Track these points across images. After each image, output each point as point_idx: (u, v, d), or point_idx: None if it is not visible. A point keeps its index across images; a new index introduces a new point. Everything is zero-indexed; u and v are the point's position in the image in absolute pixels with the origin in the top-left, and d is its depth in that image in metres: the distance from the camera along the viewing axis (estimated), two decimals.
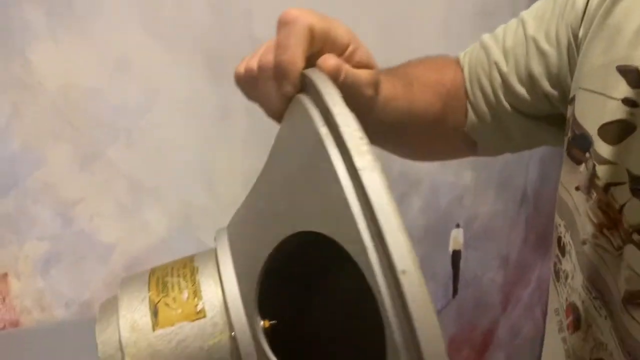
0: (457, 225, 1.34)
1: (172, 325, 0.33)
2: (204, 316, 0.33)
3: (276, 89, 0.38)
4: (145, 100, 0.96)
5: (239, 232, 0.37)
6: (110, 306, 0.35)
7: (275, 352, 0.33)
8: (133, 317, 0.34)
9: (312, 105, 0.34)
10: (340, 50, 0.40)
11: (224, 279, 0.34)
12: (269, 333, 0.33)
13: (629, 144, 0.42)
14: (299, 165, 0.33)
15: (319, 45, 0.39)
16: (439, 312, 1.35)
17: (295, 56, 0.37)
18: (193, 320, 0.33)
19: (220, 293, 0.34)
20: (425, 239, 1.29)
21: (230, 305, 0.33)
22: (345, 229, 0.27)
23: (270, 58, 0.38)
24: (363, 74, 0.42)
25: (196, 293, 0.34)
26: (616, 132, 0.43)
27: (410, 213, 1.24)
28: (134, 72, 0.94)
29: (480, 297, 1.46)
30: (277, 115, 0.40)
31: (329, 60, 0.38)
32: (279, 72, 0.38)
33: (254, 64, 0.40)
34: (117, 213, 1.00)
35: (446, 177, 1.27)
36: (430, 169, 1.23)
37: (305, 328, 0.43)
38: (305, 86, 0.37)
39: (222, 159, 1.05)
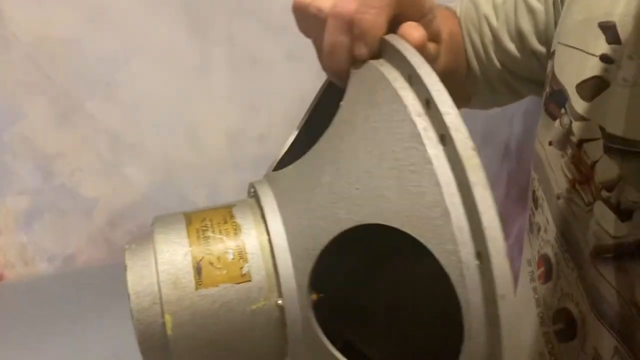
0: None
1: (216, 286, 0.32)
2: (249, 280, 0.32)
3: (347, 46, 0.35)
4: (123, 52, 0.94)
5: (291, 200, 0.34)
6: (143, 254, 0.33)
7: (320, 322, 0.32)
8: (176, 273, 0.32)
9: (403, 85, 0.31)
10: (419, 16, 0.37)
11: (275, 247, 0.32)
12: (316, 304, 0.32)
13: (603, 100, 0.42)
14: (383, 151, 0.30)
15: (403, 8, 0.36)
16: None
17: (379, 19, 0.34)
18: (238, 283, 0.32)
19: (270, 259, 0.32)
20: None
21: (281, 273, 0.32)
22: (439, 238, 0.27)
23: (349, 8, 0.34)
24: (432, 48, 0.39)
25: (242, 255, 0.32)
26: (591, 88, 0.43)
27: None
28: (111, 23, 0.92)
29: None
30: (337, 73, 0.36)
31: (416, 32, 0.34)
32: (357, 30, 0.34)
33: (326, 3, 0.36)
34: (98, 167, 0.99)
35: None
36: None
37: (356, 301, 0.43)
38: (384, 53, 0.34)
39: (204, 114, 1.04)
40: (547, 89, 0.49)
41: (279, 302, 0.32)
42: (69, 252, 1.01)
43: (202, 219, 0.34)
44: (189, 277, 0.32)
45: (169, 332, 0.31)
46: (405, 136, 0.29)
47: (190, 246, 0.33)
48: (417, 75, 0.30)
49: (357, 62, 0.35)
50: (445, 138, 0.27)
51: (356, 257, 0.41)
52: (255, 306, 0.32)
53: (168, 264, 0.32)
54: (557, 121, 0.47)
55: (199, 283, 0.31)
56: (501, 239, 0.25)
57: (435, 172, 0.27)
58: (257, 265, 0.32)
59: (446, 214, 0.26)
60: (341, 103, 0.35)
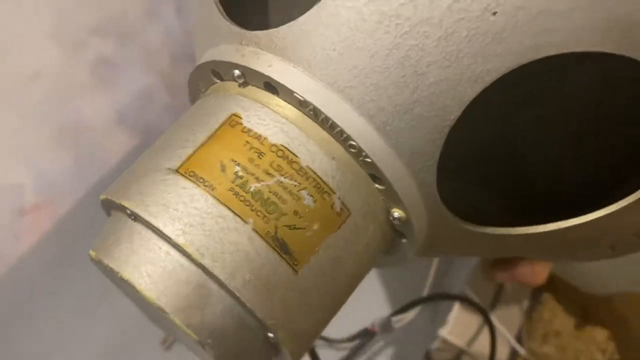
0: None
1: (315, 252, 0.20)
2: (349, 213, 0.21)
3: None
4: None
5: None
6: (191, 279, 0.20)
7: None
8: (258, 275, 0.19)
9: None
10: None
11: (363, 142, 0.21)
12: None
13: None
14: None
15: None
16: None
17: None
18: (339, 228, 0.21)
19: (357, 168, 0.21)
20: None
21: (391, 177, 0.21)
22: None
23: None
24: None
25: (320, 186, 0.21)
26: None
27: None
28: None
29: None
30: None
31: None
32: None
33: None
34: None
35: None
36: None
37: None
38: None
39: None
40: None
41: (395, 214, 0.22)
42: None
43: (223, 168, 0.20)
44: (279, 267, 0.20)
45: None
46: None
47: (247, 223, 0.20)
48: None
49: None
50: None
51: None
52: (366, 239, 0.22)
53: (236, 271, 0.19)
54: None
55: (295, 264, 0.20)
56: None
57: None
58: (346, 186, 0.21)
59: None
60: None
